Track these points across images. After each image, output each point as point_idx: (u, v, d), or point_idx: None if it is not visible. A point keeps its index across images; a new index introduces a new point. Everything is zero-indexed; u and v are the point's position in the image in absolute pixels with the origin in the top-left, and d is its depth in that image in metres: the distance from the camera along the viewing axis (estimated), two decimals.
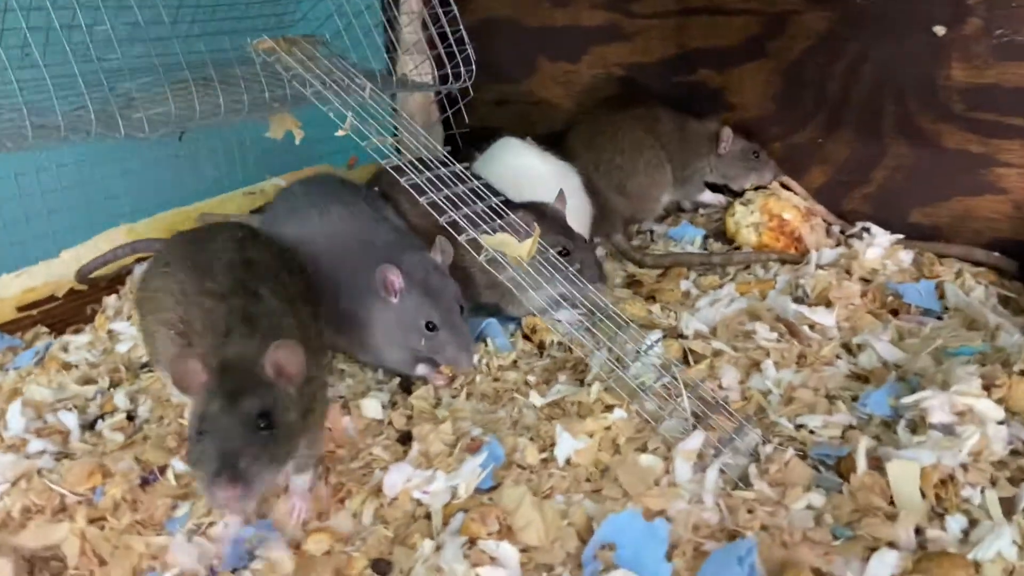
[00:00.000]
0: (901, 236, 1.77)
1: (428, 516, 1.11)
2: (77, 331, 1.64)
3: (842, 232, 1.87)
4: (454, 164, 1.40)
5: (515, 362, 1.44)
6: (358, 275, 1.32)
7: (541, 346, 1.47)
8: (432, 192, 1.30)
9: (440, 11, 1.75)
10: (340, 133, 1.32)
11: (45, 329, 1.63)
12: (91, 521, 1.07)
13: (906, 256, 1.71)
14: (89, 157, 1.74)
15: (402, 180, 1.30)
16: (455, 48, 1.84)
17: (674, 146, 1.96)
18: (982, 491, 1.08)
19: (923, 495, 1.07)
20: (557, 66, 2.20)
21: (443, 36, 1.82)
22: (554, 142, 1.92)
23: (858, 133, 1.83)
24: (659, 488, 1.09)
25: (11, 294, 1.61)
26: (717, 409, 1.24)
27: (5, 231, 1.64)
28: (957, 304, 1.55)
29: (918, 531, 1.01)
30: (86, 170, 1.74)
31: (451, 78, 1.85)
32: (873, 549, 0.98)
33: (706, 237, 1.93)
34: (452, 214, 1.29)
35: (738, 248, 1.82)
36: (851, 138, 1.85)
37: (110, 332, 1.60)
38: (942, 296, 1.59)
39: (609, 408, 1.24)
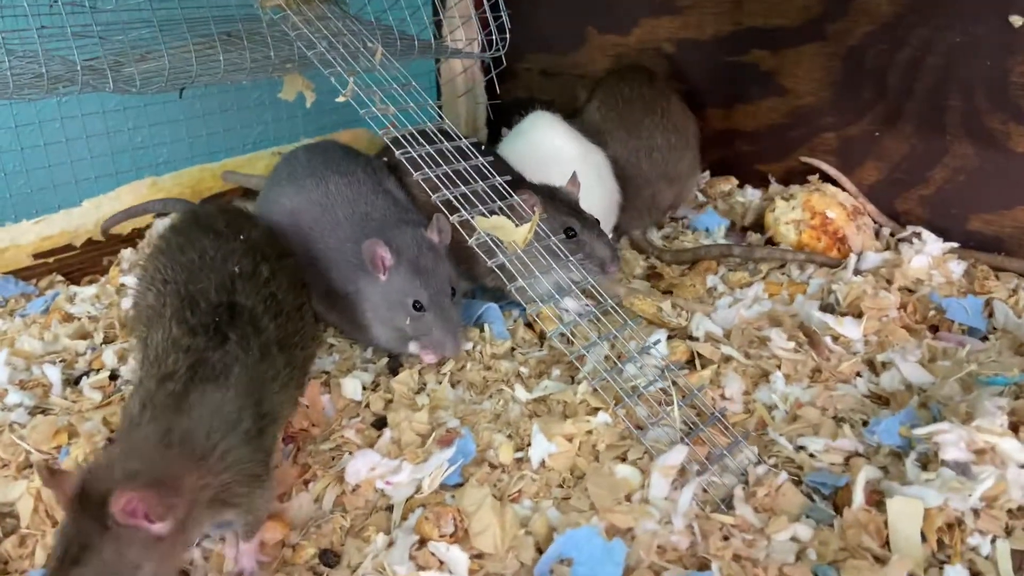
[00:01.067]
0: (956, 244, 1.62)
1: (390, 508, 1.07)
2: (92, 281, 1.64)
3: (892, 235, 1.73)
4: (460, 139, 1.33)
5: (513, 350, 1.38)
6: (348, 249, 1.27)
7: (543, 336, 1.40)
8: (428, 167, 1.23)
9: None
10: (340, 99, 1.26)
11: (61, 278, 1.65)
12: None
13: (957, 267, 1.56)
14: (116, 106, 1.73)
15: (397, 153, 1.24)
16: (490, 15, 1.76)
17: None
18: (993, 541, 0.97)
19: (924, 539, 0.97)
20: (606, 38, 2.10)
21: (480, 2, 1.74)
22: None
23: (919, 129, 1.68)
24: (629, 504, 1.01)
25: (28, 241, 1.62)
26: (712, 421, 1.15)
27: (27, 178, 1.65)
28: (1006, 325, 1.40)
29: None
30: (112, 120, 1.74)
31: (484, 46, 1.77)
32: None
33: (742, 229, 1.80)
34: (446, 192, 1.22)
35: (773, 244, 1.70)
36: (911, 133, 1.69)
37: (121, 286, 1.60)
38: (991, 315, 1.44)
39: (594, 411, 1.17)
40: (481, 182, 1.29)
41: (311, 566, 0.99)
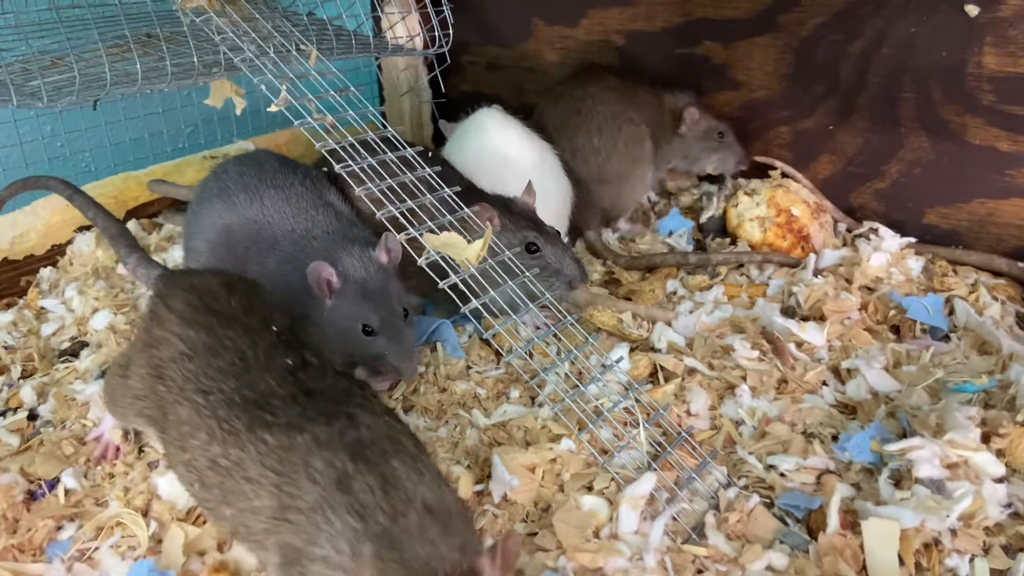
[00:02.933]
0: (913, 239, 1.60)
1: None
2: (9, 306, 1.52)
3: (848, 231, 1.70)
4: (404, 148, 1.25)
5: (468, 368, 1.31)
6: (290, 270, 1.18)
7: (499, 353, 1.33)
8: (371, 181, 1.15)
9: None
10: (272, 109, 1.17)
11: None
12: None
13: (915, 264, 1.54)
14: (30, 114, 1.60)
15: (337, 167, 1.15)
16: (431, 10, 1.67)
17: (653, 122, 1.75)
18: (971, 560, 0.94)
19: (901, 561, 0.94)
20: (553, 30, 2.02)
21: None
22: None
23: (873, 122, 1.65)
24: (598, 541, 0.96)
25: None
26: (679, 442, 1.10)
27: None
28: (968, 324, 1.38)
29: None
30: (26, 128, 1.60)
31: (427, 42, 1.68)
32: None
33: (706, 232, 1.75)
34: (392, 208, 1.14)
35: (736, 241, 1.65)
36: (865, 127, 1.66)
37: (41, 311, 1.48)
38: (951, 313, 1.42)
39: (556, 438, 1.10)
40: (429, 195, 1.21)
41: None
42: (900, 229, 1.63)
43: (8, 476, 1.04)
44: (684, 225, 1.74)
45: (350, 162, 1.15)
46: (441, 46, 1.63)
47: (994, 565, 0.94)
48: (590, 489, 1.04)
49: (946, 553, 0.95)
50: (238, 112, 1.34)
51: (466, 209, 1.21)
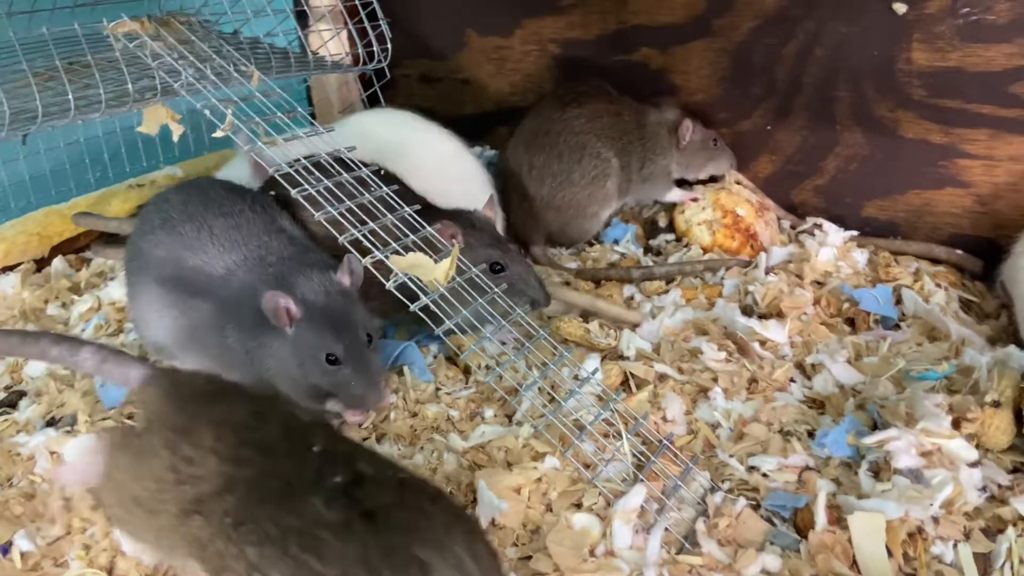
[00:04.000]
0: (855, 232, 1.65)
1: None
2: None
3: (792, 227, 1.74)
4: (360, 168, 1.21)
5: (437, 390, 1.27)
6: (245, 300, 1.13)
7: (467, 371, 1.30)
8: (329, 204, 1.10)
9: None
10: (219, 134, 1.11)
11: None
12: None
13: (860, 256, 1.58)
14: None
15: (293, 192, 1.11)
16: (368, 25, 1.63)
17: (635, 145, 1.72)
18: (955, 546, 0.96)
19: (890, 553, 0.95)
20: (487, 40, 2.00)
21: (353, 11, 1.61)
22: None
23: (810, 120, 1.69)
24: (595, 560, 0.94)
25: None
26: (661, 450, 1.10)
27: None
28: (916, 311, 1.43)
29: None
30: None
31: (364, 58, 1.64)
32: None
33: (647, 236, 1.76)
34: (354, 231, 1.10)
35: (687, 246, 1.67)
36: (802, 126, 1.70)
37: None
38: (899, 301, 1.47)
39: (539, 456, 1.08)
40: (390, 215, 1.17)
41: None
42: (841, 223, 1.68)
43: None
44: (628, 231, 1.74)
45: (306, 186, 1.11)
46: (380, 61, 1.59)
47: (976, 549, 0.96)
48: (579, 506, 1.02)
49: (931, 541, 0.97)
50: (175, 139, 1.27)
51: (428, 228, 1.18)
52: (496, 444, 1.11)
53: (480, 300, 1.13)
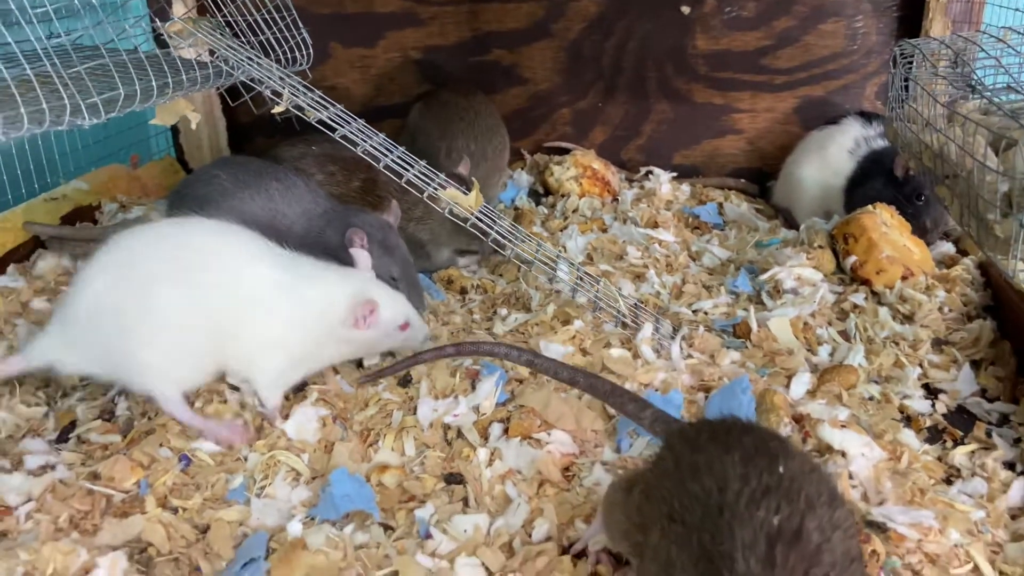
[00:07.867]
0: (674, 174, 2.25)
1: (459, 435, 1.25)
2: None
3: (627, 179, 2.29)
4: (377, 134, 1.51)
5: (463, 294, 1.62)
6: (317, 242, 1.38)
7: (463, 291, 1.65)
8: (385, 154, 1.41)
9: None
10: (278, 110, 1.36)
11: None
12: None
13: (686, 189, 2.18)
14: None
15: (357, 149, 1.39)
16: (286, 32, 1.88)
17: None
18: (828, 326, 1.53)
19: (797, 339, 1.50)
20: (352, 51, 2.31)
21: (269, 21, 1.85)
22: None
23: (629, 96, 2.26)
24: (642, 368, 1.36)
25: None
26: (638, 308, 1.55)
27: None
28: (735, 217, 2.05)
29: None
30: None
31: (285, 62, 1.88)
32: (789, 377, 1.37)
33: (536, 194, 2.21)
34: (406, 174, 1.42)
35: (564, 196, 2.14)
36: (624, 100, 2.27)
37: None
38: (721, 213, 2.08)
39: (567, 320, 1.48)
40: (415, 167, 1.49)
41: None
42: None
43: None
44: (518, 190, 2.19)
45: (362, 143, 1.39)
46: (301, 65, 1.85)
47: (838, 328, 1.54)
48: (608, 347, 1.44)
49: (814, 328, 1.53)
50: (193, 126, 1.46)
51: (441, 174, 1.52)
52: (532, 322, 1.49)
53: (499, 224, 1.50)
